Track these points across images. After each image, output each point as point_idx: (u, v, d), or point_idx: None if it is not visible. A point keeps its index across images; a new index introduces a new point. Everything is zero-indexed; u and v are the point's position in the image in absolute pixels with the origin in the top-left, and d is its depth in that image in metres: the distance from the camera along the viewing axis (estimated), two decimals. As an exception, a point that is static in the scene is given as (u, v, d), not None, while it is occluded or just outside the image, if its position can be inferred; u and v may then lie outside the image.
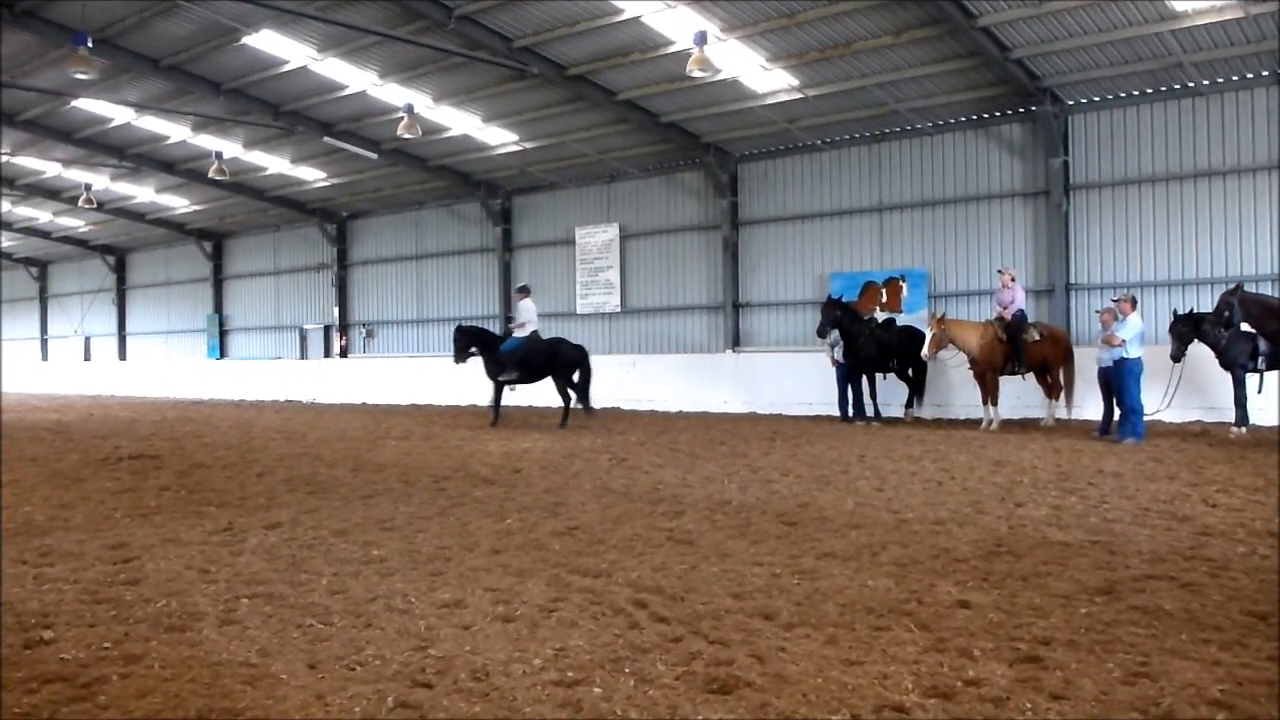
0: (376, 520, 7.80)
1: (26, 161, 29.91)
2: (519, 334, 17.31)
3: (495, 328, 28.19)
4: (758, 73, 18.80)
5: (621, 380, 22.19)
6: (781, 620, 4.97)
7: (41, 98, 24.01)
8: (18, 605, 5.34)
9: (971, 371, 15.92)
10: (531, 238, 28.07)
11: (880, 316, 18.80)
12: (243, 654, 4.49)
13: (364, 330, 32.64)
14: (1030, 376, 16.03)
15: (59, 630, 4.87)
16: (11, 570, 6.17)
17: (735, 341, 23.64)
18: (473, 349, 17.55)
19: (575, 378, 17.25)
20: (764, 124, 21.51)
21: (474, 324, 18.56)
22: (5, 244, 42.95)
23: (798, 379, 19.54)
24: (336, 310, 33.11)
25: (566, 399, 17.29)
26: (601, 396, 21.84)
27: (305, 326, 34.56)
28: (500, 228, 28.38)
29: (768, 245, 23.42)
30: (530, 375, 17.21)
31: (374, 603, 5.32)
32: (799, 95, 19.62)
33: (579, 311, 26.83)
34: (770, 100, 20.01)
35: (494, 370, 17.33)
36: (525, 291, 17.95)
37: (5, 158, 29.48)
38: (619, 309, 26.05)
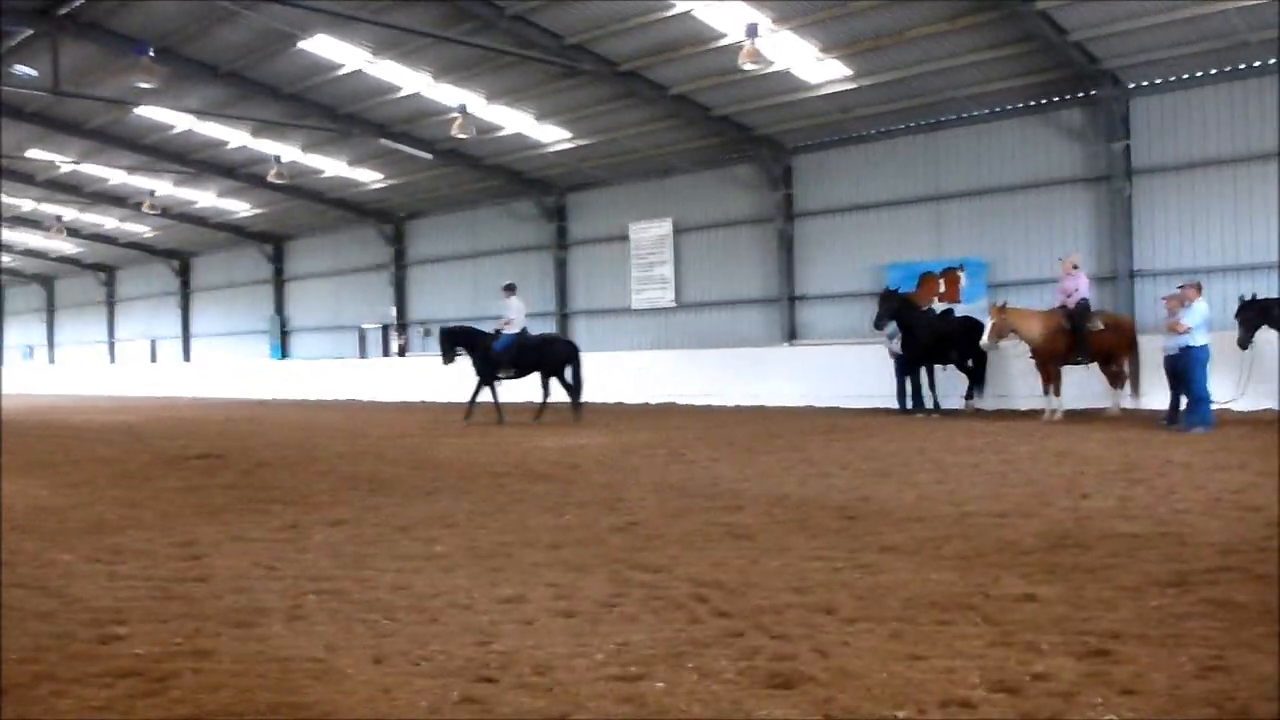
0: (437, 517, 7.87)
1: (93, 169, 30.63)
2: (509, 332, 17.42)
3: (552, 325, 28.38)
4: (810, 64, 18.68)
5: (678, 375, 22.18)
6: (843, 614, 4.93)
7: (106, 106, 24.57)
8: (92, 602, 5.46)
9: (1033, 361, 15.68)
10: (585, 234, 28.16)
11: (939, 307, 18.59)
12: (309, 649, 4.55)
13: (422, 329, 32.97)
14: (1094, 366, 15.73)
15: (132, 626, 4.97)
16: (85, 568, 6.32)
17: (791, 335, 23.53)
18: (459, 349, 17.69)
19: (568, 374, 17.46)
20: (817, 115, 21.37)
21: (459, 325, 18.75)
22: (74, 250, 43.99)
23: (855, 371, 19.38)
24: (394, 310, 33.49)
25: (547, 393, 17.58)
26: (658, 392, 21.88)
27: (364, 326, 35.00)
28: (554, 225, 28.51)
29: (823, 237, 23.27)
30: (522, 371, 17.48)
31: (437, 598, 5.36)
32: (852, 85, 19.47)
33: (634, 307, 26.88)
34: (823, 91, 19.88)
35: (486, 369, 17.45)
36: (512, 289, 18.06)
37: (72, 166, 30.20)
38: (674, 304, 26.05)
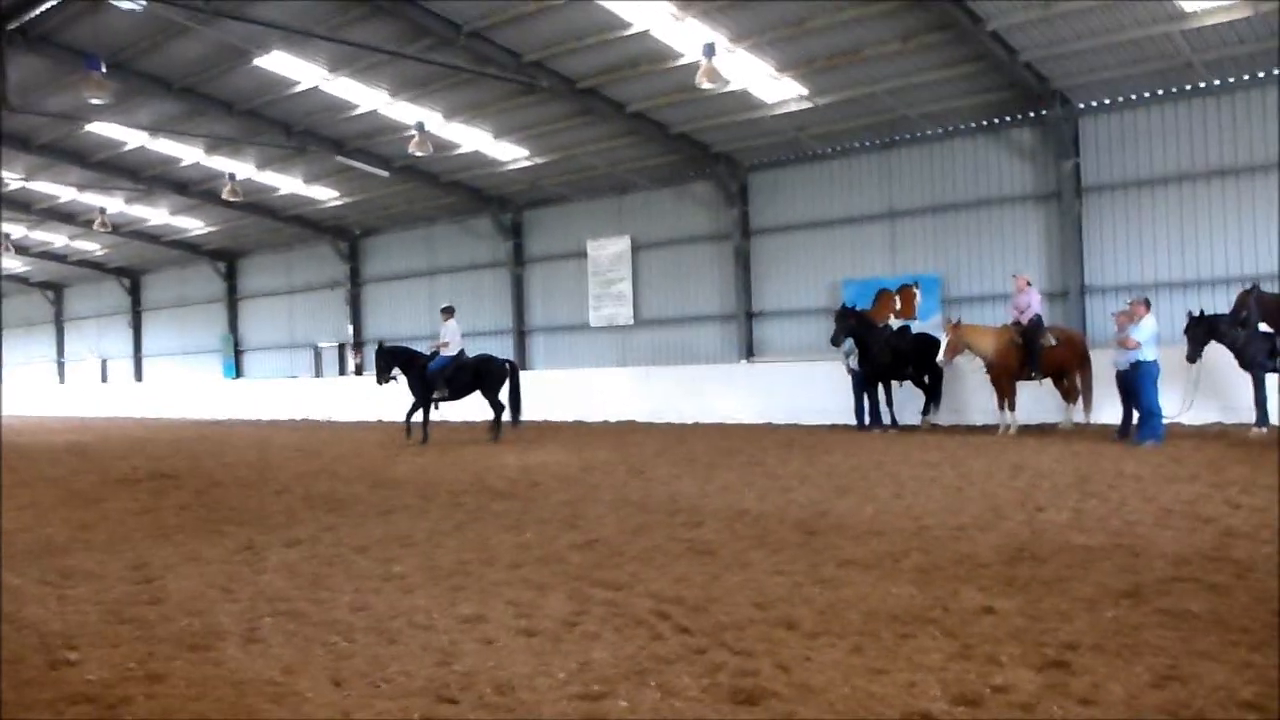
0: (396, 536, 7.80)
1: (42, 186, 30.13)
2: (446, 354, 17.39)
3: (508, 343, 28.29)
4: (766, 82, 18.83)
5: (636, 393, 22.19)
6: (805, 629, 4.95)
7: (55, 122, 24.18)
8: (41, 626, 5.35)
9: (988, 377, 15.86)
10: (543, 251, 28.14)
11: (895, 323, 18.76)
12: (267, 672, 4.49)
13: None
14: (1047, 381, 15.94)
15: (84, 651, 4.87)
16: (35, 591, 6.19)
17: (749, 351, 23.64)
18: (394, 371, 17.61)
19: (504, 392, 17.49)
20: (773, 133, 21.55)
21: (395, 344, 18.64)
22: (21, 268, 43.23)
23: (813, 388, 19.49)
24: (350, 328, 33.23)
25: (498, 412, 17.54)
26: (616, 410, 21.87)
27: (320, 344, 34.68)
28: (512, 242, 28.46)
29: (779, 254, 23.43)
30: (458, 391, 17.44)
31: (396, 619, 5.31)
32: (808, 104, 19.65)
33: (592, 324, 26.87)
34: (779, 109, 20.04)
35: (421, 389, 17.39)
36: (450, 312, 17.96)
37: (20, 183, 29.70)
38: (632, 321, 26.07)
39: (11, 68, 19.73)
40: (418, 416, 17.49)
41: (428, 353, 17.61)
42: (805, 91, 19.19)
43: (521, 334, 28.51)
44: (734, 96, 19.55)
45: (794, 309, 23.21)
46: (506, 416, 17.56)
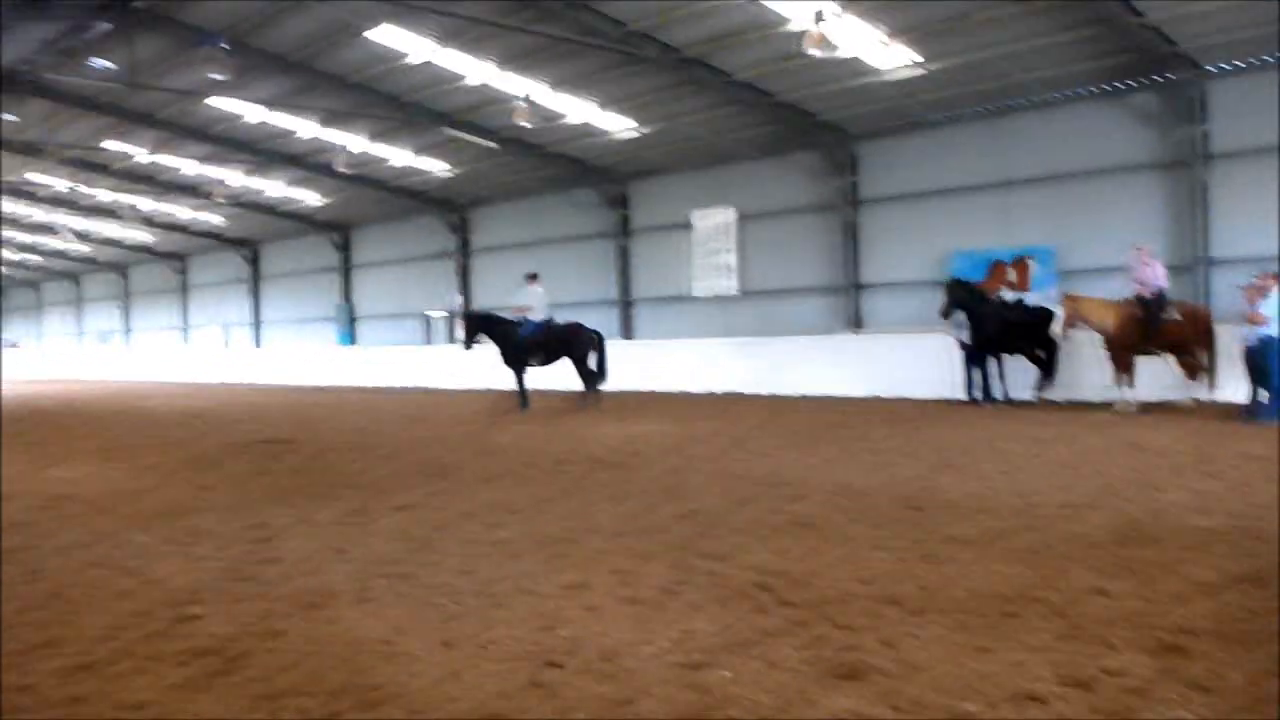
0: (501, 502, 7.94)
1: (166, 159, 31.27)
2: (533, 319, 17.41)
3: (613, 314, 28.44)
4: (877, 48, 18.43)
5: (740, 364, 22.11)
6: (909, 606, 4.89)
7: (178, 98, 25.04)
8: (167, 582, 5.60)
9: (1106, 352, 15.37)
10: (648, 222, 28.14)
11: (1008, 296, 18.29)
12: (378, 631, 4.63)
13: (485, 316, 33.18)
14: (1169, 357, 15.37)
15: (207, 606, 5.09)
16: (162, 549, 6.48)
17: (856, 323, 23.33)
18: (480, 335, 17.61)
19: (593, 360, 17.46)
20: (883, 100, 21.10)
21: (483, 311, 18.61)
22: (148, 240, 45.04)
23: (920, 361, 19.14)
24: (460, 298, 33.78)
25: (586, 380, 17.55)
26: (720, 381, 21.83)
27: (429, 313, 35.36)
28: (617, 213, 28.53)
29: (888, 225, 23.01)
30: (548, 358, 17.46)
31: (502, 583, 5.42)
32: (920, 70, 19.17)
33: (696, 295, 26.82)
34: (889, 76, 19.60)
35: (513, 356, 17.42)
36: (535, 278, 17.98)
37: (147, 156, 30.88)
38: (737, 292, 25.94)
39: (137, 47, 20.49)
40: (519, 384, 17.65)
41: (512, 319, 17.69)
42: (918, 58, 18.73)
43: (626, 305, 28.62)
44: (843, 63, 19.19)
45: (902, 281, 22.80)
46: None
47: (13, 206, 41.10)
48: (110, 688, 3.96)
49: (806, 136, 23.56)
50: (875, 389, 19.47)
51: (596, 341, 17.74)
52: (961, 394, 17.30)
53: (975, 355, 16.95)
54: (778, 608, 4.91)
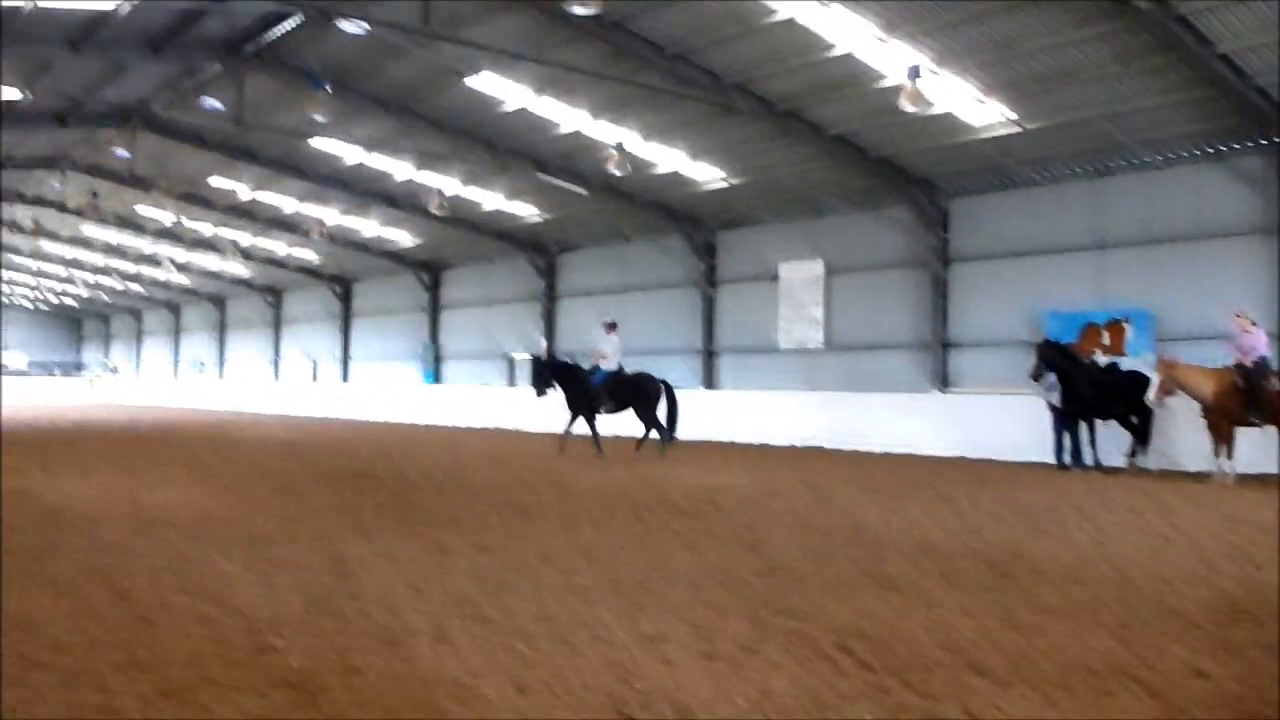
0: (579, 547, 7.91)
1: (267, 197, 32.27)
2: (606, 366, 17.50)
3: (696, 363, 28.42)
4: (972, 105, 18.31)
5: (824, 417, 21.85)
6: (996, 676, 4.73)
7: (282, 138, 25.89)
8: (250, 611, 5.67)
9: (1204, 420, 14.86)
10: (734, 272, 28.15)
11: (1101, 359, 17.84)
12: (455, 672, 4.62)
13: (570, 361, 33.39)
14: (1271, 429, 14.78)
15: (287, 637, 5.14)
16: (245, 577, 6.58)
17: (943, 381, 22.95)
18: (552, 382, 17.67)
19: (661, 410, 17.50)
20: (977, 158, 20.90)
21: (554, 358, 18.67)
22: (246, 273, 46.42)
23: (1009, 422, 18.70)
24: (544, 341, 34.08)
25: (649, 429, 17.59)
26: (802, 433, 21.59)
27: (514, 355, 35.71)
28: (704, 262, 28.59)
29: (979, 283, 22.67)
30: (617, 406, 17.50)
31: (578, 630, 5.37)
32: (1016, 128, 18.98)
33: (781, 347, 26.67)
34: (985, 134, 19.44)
35: (585, 403, 17.46)
36: (613, 327, 18.12)
37: (250, 193, 31.92)
38: (823, 345, 25.74)
39: (246, 88, 21.26)
40: (582, 429, 17.76)
41: (586, 366, 17.79)
42: (1013, 115, 18.56)
43: (709, 354, 28.57)
44: (937, 120, 19.08)
45: (992, 340, 22.41)
46: (656, 434, 17.65)
47: (121, 237, 42.78)
48: (192, 715, 4.01)
49: (898, 191, 23.41)
50: (961, 449, 19.06)
51: (665, 391, 17.74)
52: (1050, 458, 16.85)
53: (1066, 419, 16.50)
54: (858, 671, 4.79)
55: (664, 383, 17.94)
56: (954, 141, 20.12)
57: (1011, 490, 12.97)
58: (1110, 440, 16.68)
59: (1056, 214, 21.37)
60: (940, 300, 23.16)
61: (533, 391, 17.98)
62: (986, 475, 15.14)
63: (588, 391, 17.44)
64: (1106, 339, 20.17)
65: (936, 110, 18.31)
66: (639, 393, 17.58)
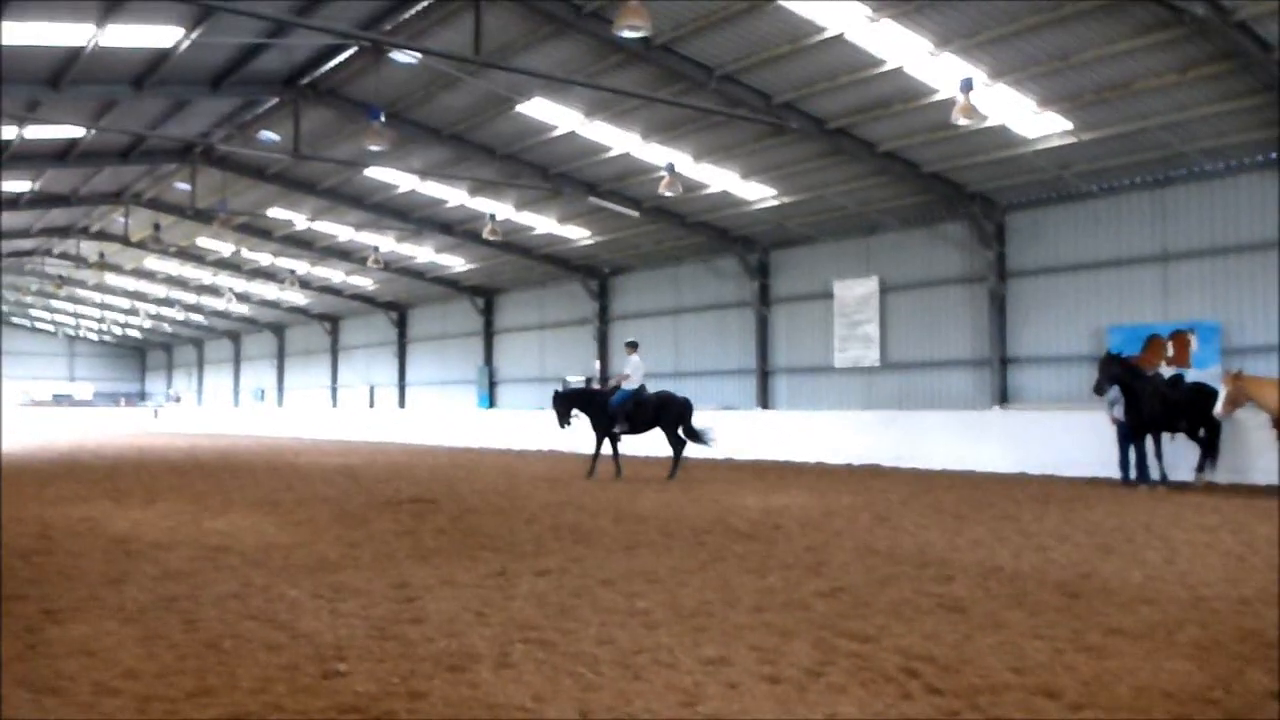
0: (640, 571, 7.89)
1: (324, 226, 32.77)
2: (626, 386, 17.49)
3: (750, 383, 28.32)
4: (1028, 118, 18.11)
5: (881, 437, 21.64)
6: (1068, 700, 4.63)
7: (338, 168, 26.31)
8: (315, 637, 5.71)
9: (1274, 433, 14.49)
10: (789, 292, 28.04)
11: (1166, 372, 17.48)
12: (518, 698, 4.61)
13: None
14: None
15: (352, 663, 5.17)
16: (310, 604, 6.63)
17: (1003, 398, 22.63)
18: (574, 413, 17.80)
19: (682, 429, 17.51)
20: (1034, 171, 20.66)
21: (571, 388, 18.79)
22: (303, 301, 47.15)
23: (1072, 439, 18.39)
24: (598, 364, 34.17)
25: (676, 448, 17.57)
26: (860, 453, 21.40)
27: (568, 378, 35.82)
28: (757, 282, 28.52)
29: (1038, 297, 22.37)
30: (639, 426, 17.53)
31: (641, 655, 5.35)
32: (1073, 140, 18.74)
33: (836, 365, 26.49)
34: (1041, 146, 19.21)
35: (603, 424, 17.54)
36: (634, 347, 18.09)
37: (307, 223, 32.44)
38: (878, 363, 25.53)
39: (303, 120, 21.65)
40: (607, 450, 17.82)
41: (608, 387, 17.88)
42: (1070, 126, 18.32)
43: (764, 374, 28.45)
44: (991, 133, 18.91)
45: (1053, 355, 22.07)
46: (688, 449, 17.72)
47: (183, 269, 43.67)
48: (260, 741, 4.04)
49: (953, 207, 23.21)
50: (1023, 466, 18.78)
51: (686, 409, 17.78)
52: (1116, 474, 16.54)
53: (1131, 433, 16.18)
54: (926, 695, 4.70)
55: (685, 400, 17.99)
56: (1009, 154, 19.90)
57: (1077, 508, 12.74)
58: (1177, 455, 16.33)
59: (1117, 225, 21.05)
60: (999, 316, 22.86)
61: (557, 424, 18.06)
62: (1050, 493, 14.88)
63: (607, 413, 17.53)
64: (1171, 351, 19.77)
65: (990, 123, 18.15)
66: (661, 412, 17.61)
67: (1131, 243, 20.78)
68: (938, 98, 17.52)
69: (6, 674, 4.95)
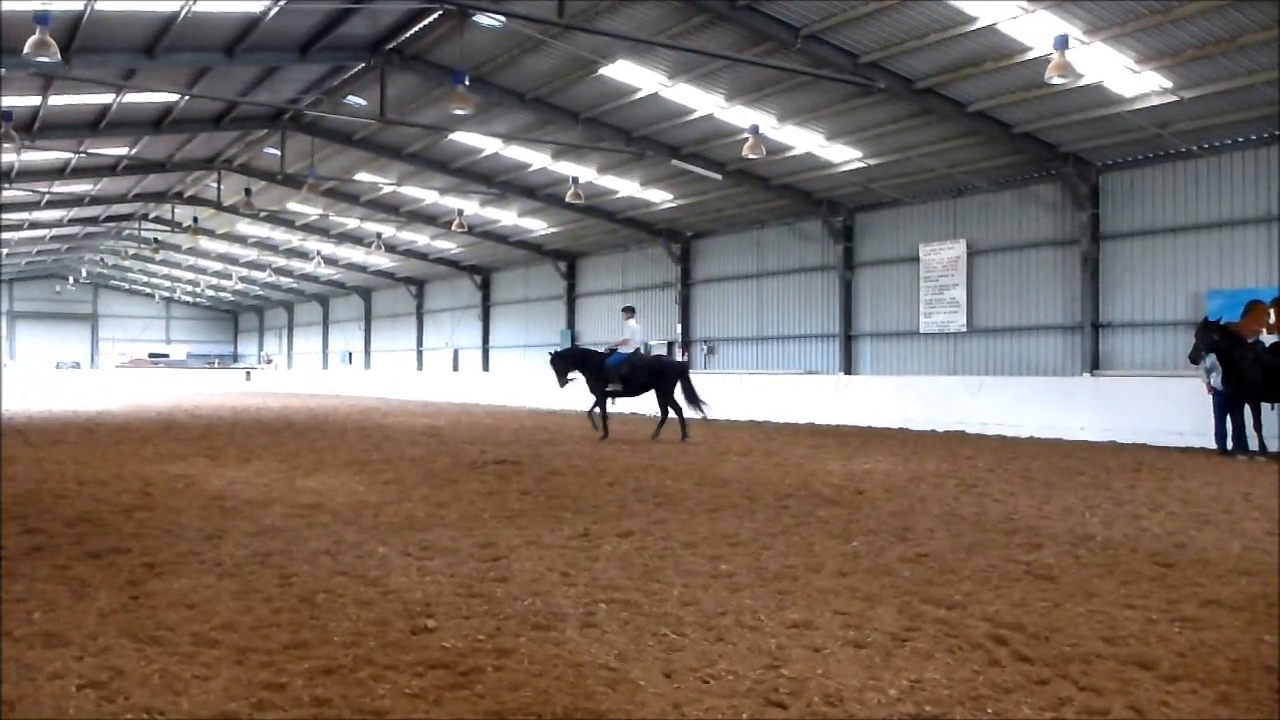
0: (723, 535, 7.90)
1: (409, 190, 33.18)
2: (623, 350, 17.94)
3: (834, 347, 28.07)
4: (1125, 75, 17.51)
5: (967, 402, 21.31)
6: (1162, 671, 4.53)
7: (423, 132, 26.56)
8: (404, 593, 5.84)
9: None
10: (873, 255, 27.65)
11: (1267, 339, 16.88)
12: (603, 657, 4.66)
13: (705, 347, 33.44)
14: None
15: (440, 620, 5.27)
16: (399, 561, 6.78)
17: (1094, 364, 22.08)
18: (572, 373, 18.22)
19: (679, 391, 17.85)
20: (1131, 130, 19.98)
21: (570, 348, 19.12)
22: (389, 265, 47.89)
23: (1166, 406, 17.90)
24: (679, 327, 34.15)
25: (665, 412, 18.02)
26: (946, 418, 21.12)
27: (650, 342, 35.87)
28: (841, 245, 28.16)
29: (1133, 261, 21.72)
30: (632, 389, 17.96)
31: (724, 617, 5.36)
32: (1172, 98, 18.07)
33: (922, 330, 26.11)
34: (1139, 104, 18.56)
35: (598, 384, 17.98)
36: (631, 312, 18.64)
37: (393, 187, 32.87)
38: (965, 328, 25.09)
39: (389, 85, 21.87)
40: (600, 410, 18.28)
41: (604, 350, 18.43)
42: (1169, 84, 17.67)
43: (849, 338, 28.16)
44: (1087, 92, 18.32)
45: (1147, 320, 21.45)
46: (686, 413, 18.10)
47: (273, 233, 44.63)
48: (353, 693, 4.14)
49: (1045, 168, 22.62)
50: (1114, 434, 18.34)
51: (682, 372, 18.14)
52: (1212, 443, 16.06)
53: (1229, 402, 15.68)
54: (1014, 663, 4.64)
55: (681, 364, 18.34)
56: (1105, 113, 19.26)
57: (1171, 477, 12.42)
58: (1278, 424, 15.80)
59: (1218, 186, 20.29)
60: (1091, 279, 22.26)
61: (556, 383, 18.55)
62: (1143, 461, 14.53)
63: (603, 375, 17.93)
64: (1273, 317, 19.07)
65: (1086, 81, 17.57)
66: (656, 375, 18.01)
67: (1235, 204, 20.02)
68: (1030, 55, 17.03)
69: (110, 624, 5.15)
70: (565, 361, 18.56)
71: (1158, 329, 21.20)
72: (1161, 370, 20.38)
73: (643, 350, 18.38)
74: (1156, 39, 16.22)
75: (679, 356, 33.86)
